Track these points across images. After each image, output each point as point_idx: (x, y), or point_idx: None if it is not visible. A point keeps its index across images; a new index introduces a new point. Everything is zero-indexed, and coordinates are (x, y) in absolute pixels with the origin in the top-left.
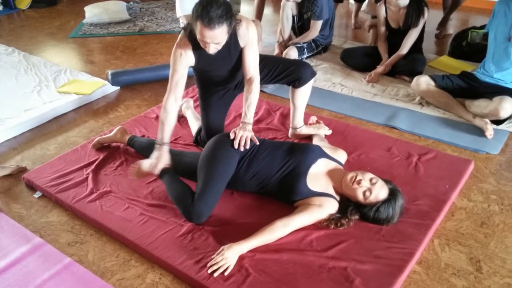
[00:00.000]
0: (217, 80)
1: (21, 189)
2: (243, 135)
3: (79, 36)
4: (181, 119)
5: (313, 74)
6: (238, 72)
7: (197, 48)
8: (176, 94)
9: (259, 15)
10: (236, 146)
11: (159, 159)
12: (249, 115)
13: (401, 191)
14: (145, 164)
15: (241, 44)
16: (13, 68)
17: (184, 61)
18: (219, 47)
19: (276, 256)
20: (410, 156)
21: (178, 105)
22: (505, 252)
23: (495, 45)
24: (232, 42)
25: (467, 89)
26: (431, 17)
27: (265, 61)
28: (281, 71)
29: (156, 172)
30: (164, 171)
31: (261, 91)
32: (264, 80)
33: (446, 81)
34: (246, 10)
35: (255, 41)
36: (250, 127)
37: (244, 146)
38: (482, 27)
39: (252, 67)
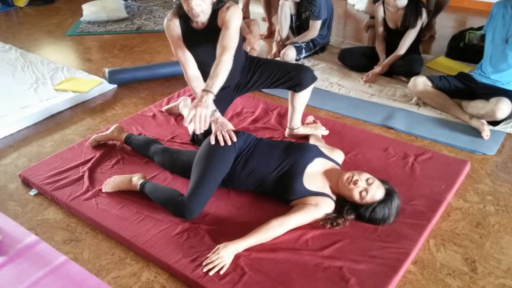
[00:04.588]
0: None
1: (16, 186)
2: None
3: (76, 34)
4: (178, 117)
5: (314, 79)
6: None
7: (183, 22)
8: (191, 65)
9: (268, 14)
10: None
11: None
12: (211, 83)
13: (397, 192)
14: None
15: (219, 23)
16: (10, 65)
17: (176, 32)
18: (203, 5)
19: (271, 255)
20: (407, 156)
21: (199, 74)
22: (500, 253)
23: (493, 47)
24: (215, 24)
25: (464, 90)
26: None
27: (264, 65)
28: (281, 76)
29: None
30: (143, 183)
31: (258, 90)
32: (264, 84)
33: (443, 82)
34: (257, 12)
35: (234, 26)
36: (211, 97)
37: (225, 139)
38: (480, 28)
39: (225, 39)
